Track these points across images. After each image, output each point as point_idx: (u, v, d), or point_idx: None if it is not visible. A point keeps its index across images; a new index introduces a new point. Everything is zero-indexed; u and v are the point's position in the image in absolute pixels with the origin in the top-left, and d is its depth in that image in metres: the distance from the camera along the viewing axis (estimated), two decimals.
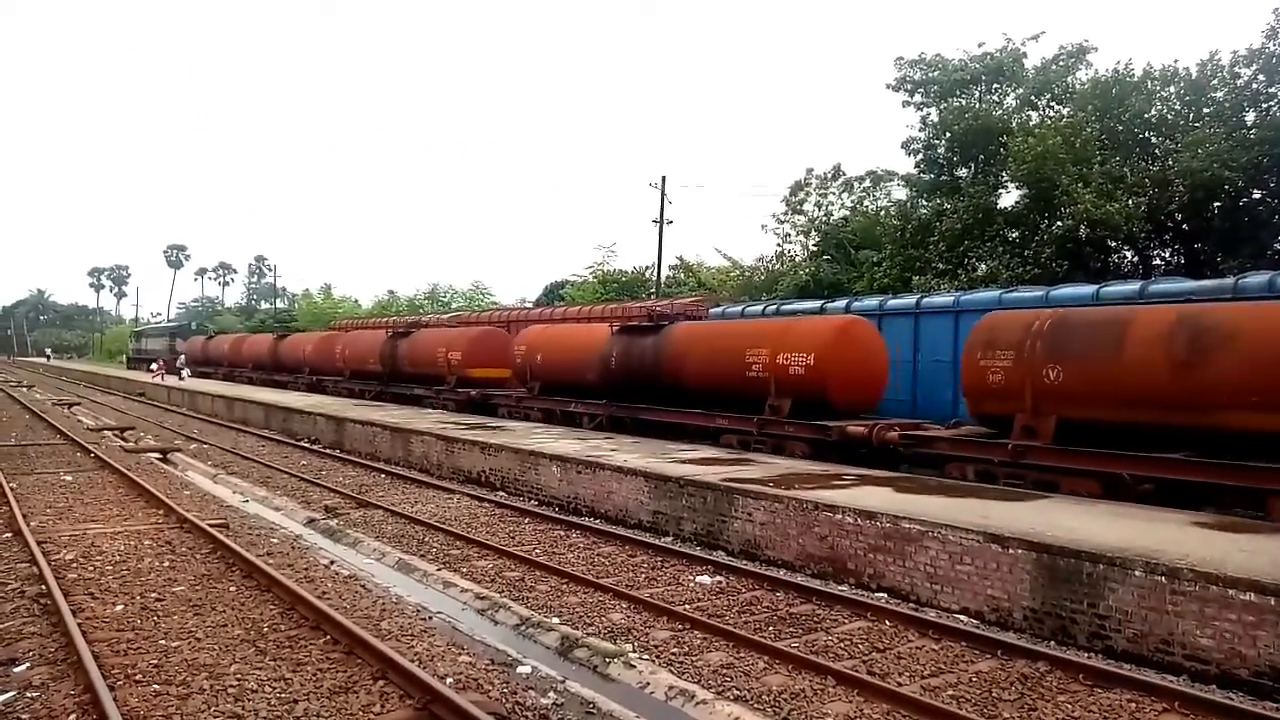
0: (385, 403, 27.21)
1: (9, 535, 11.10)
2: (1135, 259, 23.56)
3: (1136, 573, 7.39)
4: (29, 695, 6.19)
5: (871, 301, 19.54)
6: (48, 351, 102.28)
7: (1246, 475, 9.90)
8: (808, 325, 16.27)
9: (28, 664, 6.77)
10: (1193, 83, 22.41)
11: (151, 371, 39.88)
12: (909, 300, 18.43)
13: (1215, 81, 22.10)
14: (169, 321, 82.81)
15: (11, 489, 13.91)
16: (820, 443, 14.47)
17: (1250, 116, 21.46)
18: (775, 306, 21.64)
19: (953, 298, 17.62)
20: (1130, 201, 21.00)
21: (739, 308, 22.32)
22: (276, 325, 59.00)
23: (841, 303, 20.07)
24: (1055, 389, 11.60)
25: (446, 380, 25.33)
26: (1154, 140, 23.23)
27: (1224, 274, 16.84)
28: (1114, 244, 22.89)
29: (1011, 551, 8.25)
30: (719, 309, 22.71)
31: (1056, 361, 11.63)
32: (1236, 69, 21.78)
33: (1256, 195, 21.36)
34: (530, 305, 44.09)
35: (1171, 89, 23.02)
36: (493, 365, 24.24)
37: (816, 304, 20.62)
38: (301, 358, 35.30)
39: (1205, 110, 22.13)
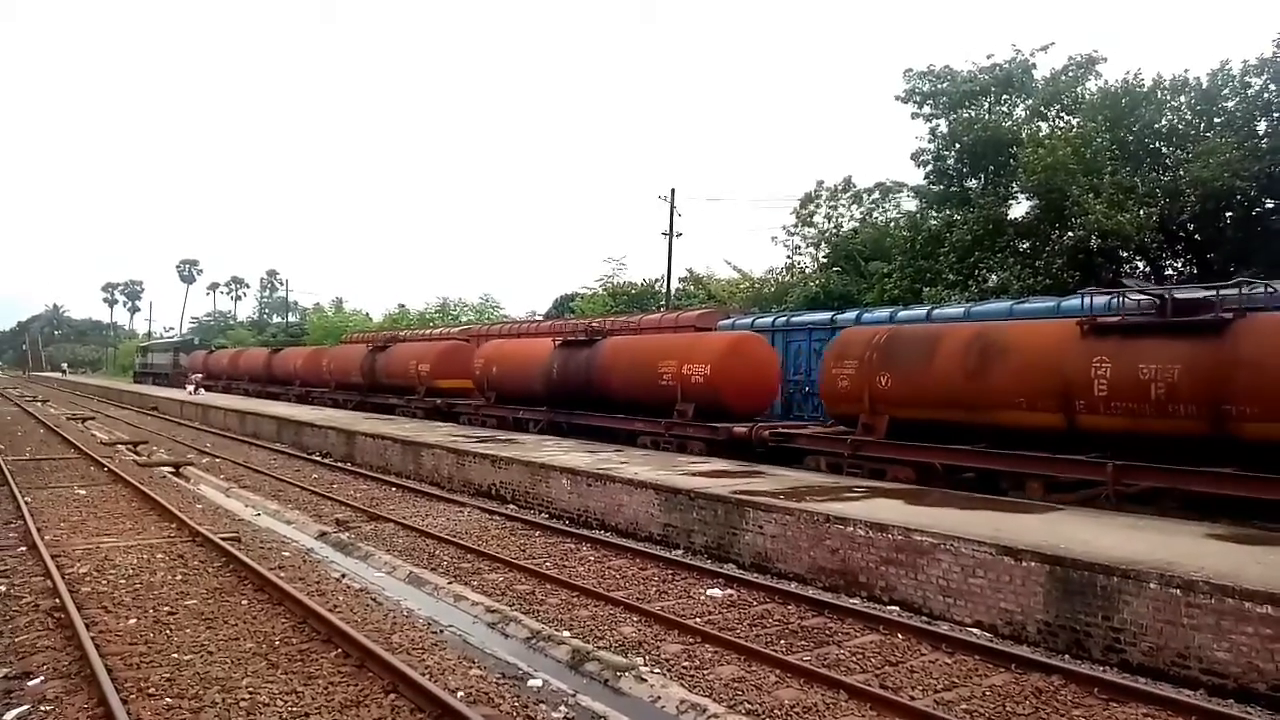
0: (365, 411, 29.30)
1: (24, 549, 11.17)
2: (1147, 269, 23.48)
3: (1151, 585, 7.33)
4: (43, 709, 6.22)
5: (882, 313, 19.54)
6: (64, 366, 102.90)
7: (1014, 462, 12.02)
8: (707, 340, 18.70)
9: (42, 677, 6.80)
10: (1203, 92, 22.38)
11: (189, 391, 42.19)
12: (920, 311, 18.51)
13: (1226, 91, 22.07)
14: (174, 337, 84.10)
15: (26, 503, 14.01)
16: (713, 441, 16.49)
17: (1262, 126, 21.42)
18: (785, 319, 21.67)
19: (964, 309, 17.70)
20: (1141, 212, 20.95)
21: (748, 319, 22.34)
22: (288, 339, 59.39)
23: (852, 314, 20.08)
24: (886, 393, 13.67)
25: (417, 390, 27.29)
26: (1165, 150, 23.19)
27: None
28: (1125, 254, 22.85)
29: (1025, 564, 8.19)
30: (728, 321, 22.73)
31: (887, 370, 13.70)
32: (1247, 78, 21.75)
33: (1269, 205, 21.30)
34: (540, 318, 44.21)
35: (1182, 99, 22.99)
36: (457, 377, 25.69)
37: (826, 315, 20.63)
38: (293, 371, 37.56)
39: (1216, 120, 22.09)
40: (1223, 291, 11.09)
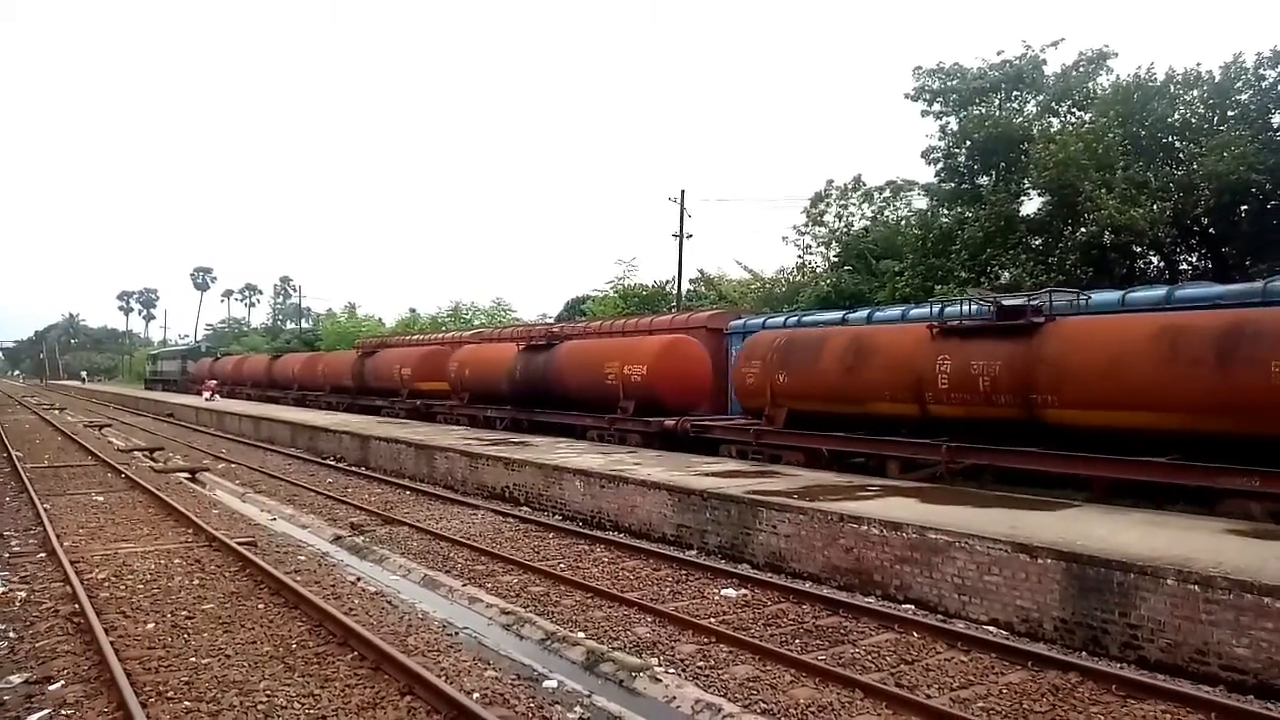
0: (355, 412, 31.75)
1: (43, 555, 11.28)
2: (1161, 264, 23.29)
3: (1169, 582, 7.28)
4: (64, 713, 6.28)
5: (894, 311, 19.47)
6: (83, 375, 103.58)
7: (877, 445, 14.17)
8: (645, 343, 20.41)
9: (62, 682, 6.87)
10: (1216, 85, 22.17)
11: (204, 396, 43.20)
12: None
13: (1239, 84, 21.85)
14: (182, 346, 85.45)
15: (45, 510, 14.14)
16: (647, 433, 18.55)
17: (1276, 118, 21.19)
18: (796, 319, 21.62)
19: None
20: (1155, 206, 20.77)
21: (760, 320, 22.31)
22: (301, 345, 59.73)
23: (863, 313, 20.02)
24: (784, 389, 15.72)
25: (400, 392, 29.70)
26: (1178, 144, 22.97)
27: (1253, 278, 16.59)
28: (1139, 249, 22.64)
29: (1040, 561, 8.15)
30: (740, 321, 22.70)
31: (784, 369, 15.72)
32: (1261, 71, 21.53)
33: None
34: (551, 321, 44.27)
35: (1195, 92, 22.78)
36: (435, 379, 27.75)
37: (838, 315, 20.58)
38: (291, 375, 40.21)
39: (1230, 113, 21.88)
40: (1033, 300, 12.96)
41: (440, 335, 39.69)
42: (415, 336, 42.56)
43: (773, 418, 15.91)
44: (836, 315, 20.54)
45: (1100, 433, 11.38)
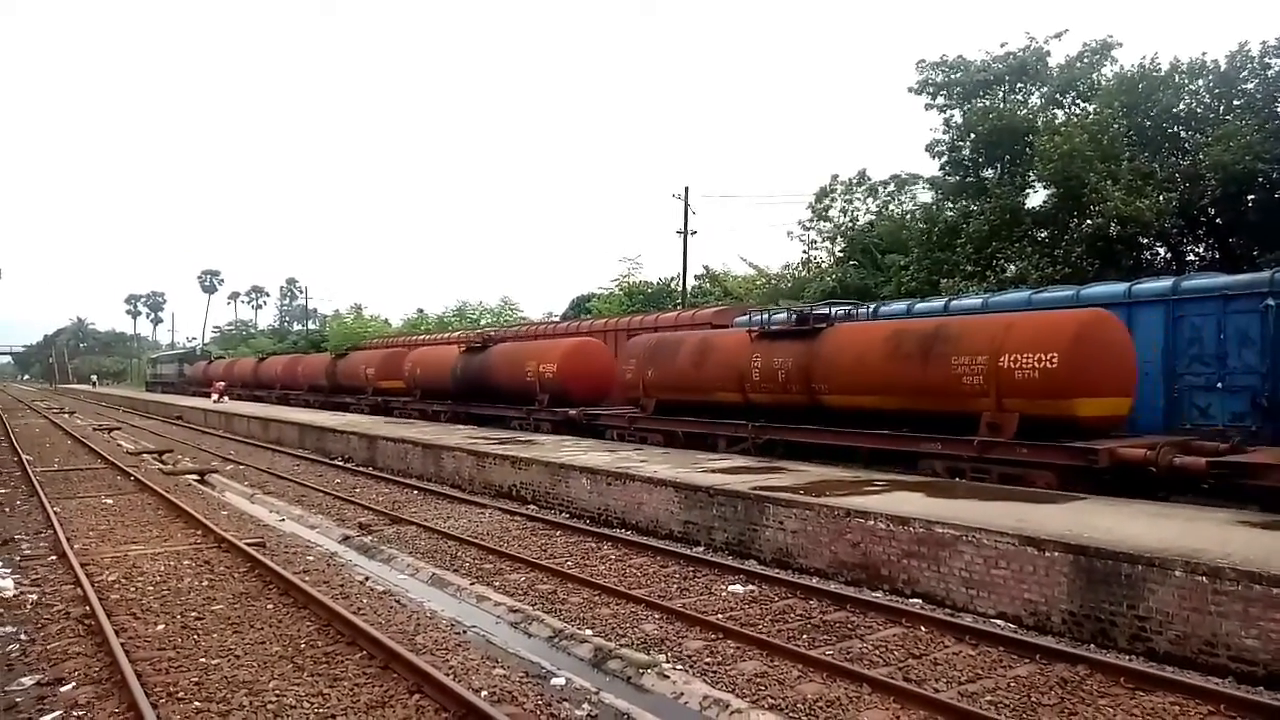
0: (328, 409, 34.48)
1: (54, 558, 11.34)
2: (1168, 255, 23.19)
3: (1177, 573, 7.26)
4: (75, 714, 6.31)
5: (899, 306, 19.44)
6: (94, 379, 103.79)
7: (711, 426, 17.26)
8: (556, 345, 23.45)
9: (73, 683, 6.91)
10: (1222, 75, 22.05)
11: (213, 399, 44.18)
12: (938, 304, 18.45)
13: (1245, 73, 21.73)
14: (179, 350, 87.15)
15: (56, 513, 14.21)
16: (554, 421, 21.68)
17: None
18: (869, 309, 21.41)
19: (981, 299, 17.60)
20: (1161, 197, 20.67)
21: (826, 311, 22.19)
22: (308, 347, 59.94)
23: (871, 307, 19.98)
24: (653, 382, 18.81)
25: (365, 391, 32.85)
26: (1183, 134, 22.87)
27: (1260, 267, 16.53)
28: (1145, 241, 22.56)
29: (1048, 554, 8.14)
30: (744, 318, 22.68)
31: (652, 365, 18.80)
32: (1267, 59, 21.41)
33: None
34: (557, 319, 44.33)
35: (1200, 82, 22.66)
36: (394, 378, 30.70)
37: (902, 305, 20.41)
38: (274, 376, 43.55)
39: (1235, 102, 21.76)
40: (817, 309, 16.90)
41: (400, 339, 44.17)
42: (379, 341, 46.51)
43: (645, 406, 19.02)
44: (899, 306, 19.76)
45: (857, 412, 14.63)
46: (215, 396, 44.30)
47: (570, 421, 20.98)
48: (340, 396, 35.07)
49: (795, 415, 15.71)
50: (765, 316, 18.02)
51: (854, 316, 17.41)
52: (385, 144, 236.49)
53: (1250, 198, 21.01)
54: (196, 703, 6.43)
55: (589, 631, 8.31)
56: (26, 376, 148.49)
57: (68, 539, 12.09)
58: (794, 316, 16.65)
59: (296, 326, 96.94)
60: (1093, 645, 7.63)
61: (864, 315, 17.80)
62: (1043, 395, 11.99)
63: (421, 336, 41.64)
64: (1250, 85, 21.64)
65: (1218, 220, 22.12)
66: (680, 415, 18.19)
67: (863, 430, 14.38)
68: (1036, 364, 12.05)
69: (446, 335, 37.71)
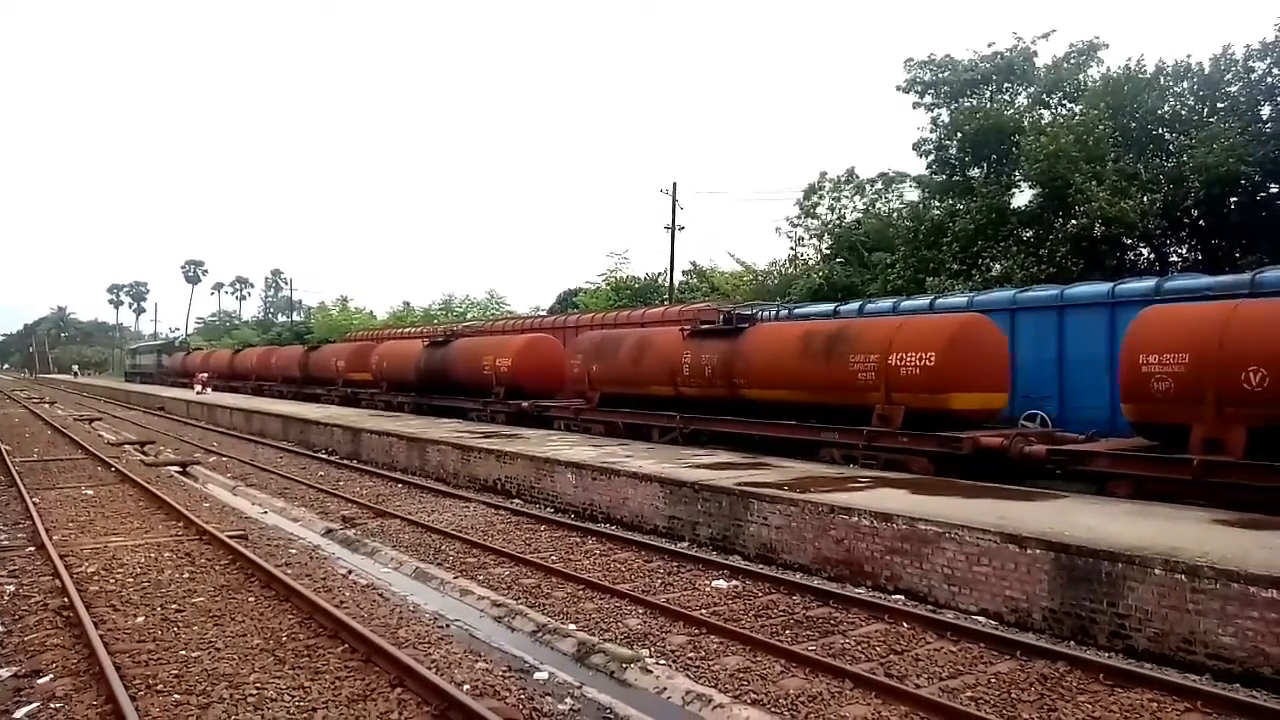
0: (300, 400, 35.69)
1: (32, 549, 11.23)
2: (1152, 256, 23.37)
3: (1156, 571, 7.33)
4: (52, 706, 6.26)
5: (885, 303, 19.57)
6: (75, 369, 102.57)
7: (647, 417, 18.56)
8: (512, 341, 25.11)
9: (51, 675, 6.85)
10: (1206, 78, 22.22)
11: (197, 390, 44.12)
12: (853, 306, 19.67)
13: (1229, 76, 21.90)
14: (158, 341, 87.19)
15: (34, 504, 14.08)
16: (508, 413, 22.92)
17: (1266, 110, 21.26)
18: (787, 311, 21.67)
19: (891, 303, 18.19)
20: (1145, 198, 20.83)
21: (750, 313, 22.34)
22: (293, 338, 59.63)
23: (855, 305, 20.10)
24: (597, 376, 20.08)
25: (336, 382, 34.26)
26: (1168, 136, 23.03)
27: (1242, 269, 16.70)
28: (1129, 241, 22.71)
29: (1029, 552, 8.19)
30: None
31: (596, 361, 20.11)
32: (1250, 63, 21.59)
33: (1274, 189, 21.14)
34: (544, 313, 44.26)
35: (1185, 84, 22.83)
36: (362, 371, 32.08)
37: (829, 307, 20.65)
38: (250, 368, 45.02)
39: (1219, 105, 21.93)
40: (739, 310, 18.95)
41: (368, 332, 45.64)
42: (361, 333, 47.69)
43: (590, 399, 20.44)
44: (828, 308, 20.65)
45: (771, 405, 15.89)
46: (198, 388, 44.02)
47: (523, 413, 22.21)
48: (312, 388, 36.42)
49: (719, 407, 17.04)
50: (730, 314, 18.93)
51: (776, 318, 19.24)
52: (372, 136, 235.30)
53: (1233, 200, 21.19)
54: (176, 695, 6.39)
55: (572, 626, 8.31)
56: (6, 366, 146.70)
57: (46, 530, 11.98)
58: (722, 317, 17.98)
59: (281, 318, 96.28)
60: (1073, 642, 7.69)
61: (784, 316, 19.84)
62: (924, 390, 13.44)
63: (387, 330, 43.28)
64: (1234, 88, 21.82)
65: (1201, 222, 22.29)
66: (621, 407, 19.42)
67: (775, 421, 15.65)
68: (919, 362, 13.49)
69: (411, 330, 39.39)
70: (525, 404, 22.16)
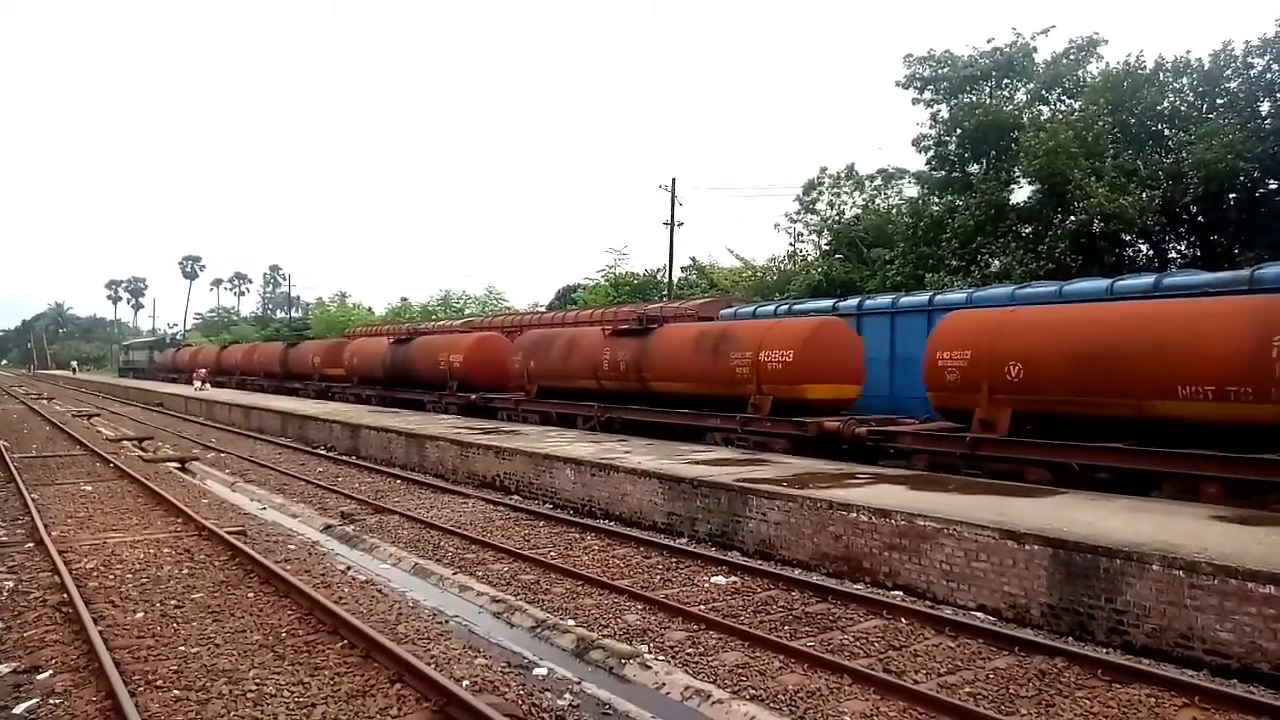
0: (280, 394, 37.88)
1: (31, 545, 11.22)
2: (1150, 252, 23.38)
3: (1154, 567, 7.34)
4: (52, 702, 6.26)
5: (884, 299, 19.56)
6: (74, 365, 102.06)
7: (575, 407, 20.67)
8: (463, 339, 27.09)
9: (50, 671, 6.85)
10: (1206, 74, 22.22)
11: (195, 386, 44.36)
12: (922, 298, 18.74)
13: (1229, 72, 21.91)
14: (150, 338, 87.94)
15: (33, 499, 14.07)
16: (460, 405, 24.98)
17: (1265, 106, 21.27)
18: (787, 306, 21.69)
19: (965, 294, 17.89)
20: (1144, 194, 20.84)
21: (750, 309, 22.37)
22: (291, 334, 59.59)
23: (854, 301, 20.10)
24: (534, 372, 22.15)
25: (312, 377, 36.35)
26: (1167, 132, 23.05)
27: (1240, 265, 16.71)
28: (1128, 238, 22.73)
29: (1028, 548, 8.21)
30: (730, 310, 22.75)
31: (534, 358, 22.18)
32: (1250, 59, 21.60)
33: (1272, 185, 21.17)
34: (543, 309, 44.26)
35: (1184, 80, 22.84)
36: (336, 366, 34.13)
37: (829, 303, 20.65)
38: (235, 363, 47.38)
39: (1219, 101, 21.95)
40: (650, 312, 21.44)
41: (367, 328, 48.36)
42: (358, 328, 50.06)
43: (529, 391, 22.43)
44: (826, 304, 20.66)
45: (672, 396, 18.14)
46: (198, 384, 43.93)
47: (472, 405, 24.39)
48: (291, 382, 38.98)
49: (632, 398, 19.16)
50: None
51: (775, 314, 20.74)
52: (371, 131, 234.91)
53: (1231, 196, 21.21)
54: (175, 691, 6.39)
55: (571, 622, 8.32)
56: (4, 362, 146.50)
57: (45, 526, 11.96)
58: (637, 319, 20.14)
59: (280, 314, 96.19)
60: (1071, 638, 7.71)
61: (783, 312, 20.91)
62: (785, 382, 15.74)
63: (360, 328, 46.45)
64: (1233, 84, 21.82)
65: (1199, 218, 22.31)
66: (554, 399, 21.51)
67: (673, 410, 17.96)
68: (781, 359, 15.81)
69: (380, 328, 42.79)
70: (474, 396, 24.27)
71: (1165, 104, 22.81)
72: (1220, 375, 10.17)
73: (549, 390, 21.74)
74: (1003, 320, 13.08)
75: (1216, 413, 10.24)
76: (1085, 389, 11.44)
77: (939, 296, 18.11)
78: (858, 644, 7.61)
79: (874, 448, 14.28)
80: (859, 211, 31.95)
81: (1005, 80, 26.95)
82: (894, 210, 30.24)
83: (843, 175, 32.88)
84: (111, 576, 9.64)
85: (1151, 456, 10.73)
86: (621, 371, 19.10)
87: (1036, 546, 8.14)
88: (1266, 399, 9.82)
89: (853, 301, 20.05)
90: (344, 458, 21.24)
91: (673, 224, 39.70)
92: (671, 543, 11.43)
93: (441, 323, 40.71)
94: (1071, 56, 25.99)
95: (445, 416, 24.33)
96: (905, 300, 18.91)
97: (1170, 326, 10.99)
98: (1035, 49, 26.66)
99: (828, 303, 20.71)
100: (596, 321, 25.08)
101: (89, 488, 15.95)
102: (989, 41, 27.05)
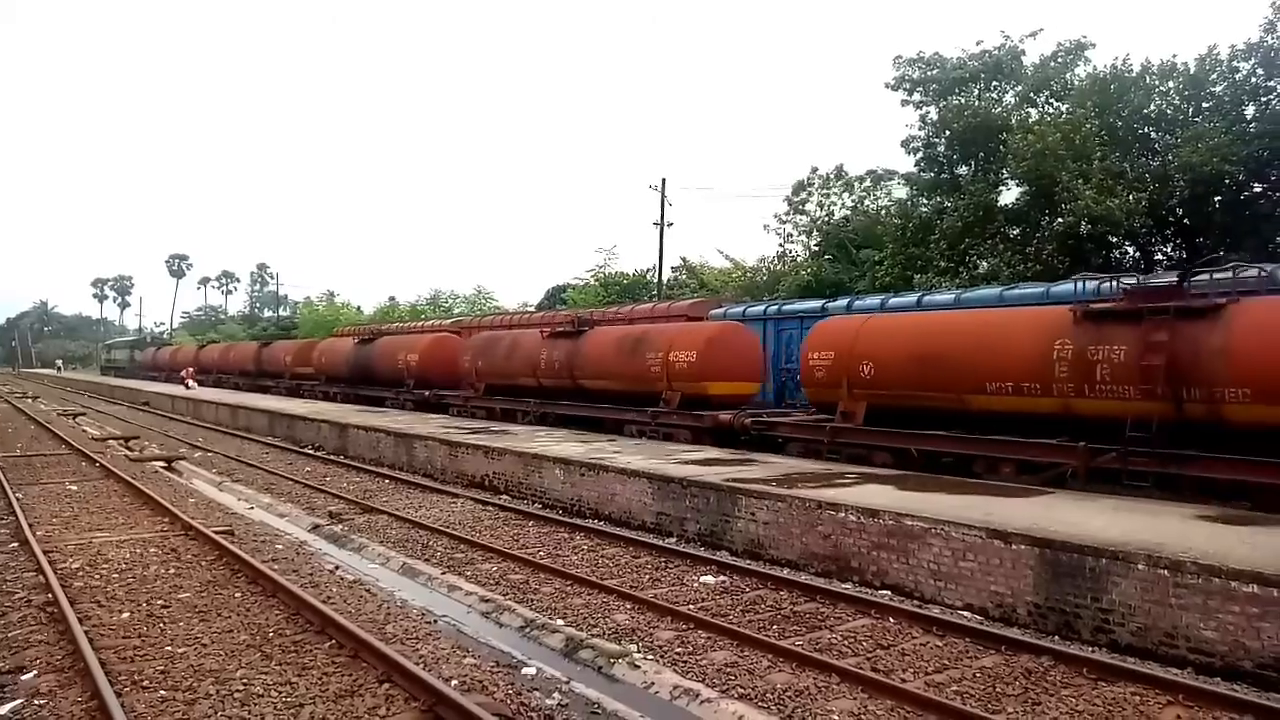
0: (255, 391, 39.46)
1: (15, 545, 11.14)
2: (1137, 254, 23.54)
3: (1139, 566, 7.40)
4: (36, 703, 6.21)
5: (873, 301, 19.64)
6: (58, 364, 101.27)
7: (518, 403, 22.28)
8: (420, 339, 29.34)
9: (35, 671, 6.80)
10: (1192, 77, 22.40)
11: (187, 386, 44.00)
12: (911, 298, 18.82)
13: (1214, 76, 22.08)
14: (131, 337, 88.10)
15: (18, 499, 13.97)
16: (415, 400, 26.81)
17: (1250, 110, 21.46)
18: (777, 307, 21.75)
19: (954, 295, 18.04)
20: (1131, 197, 20.99)
21: (739, 309, 22.43)
22: (278, 333, 59.40)
23: (843, 302, 20.19)
24: (482, 370, 23.92)
25: (284, 376, 38.04)
26: (1154, 135, 23.22)
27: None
28: (1115, 239, 22.89)
29: (1015, 547, 8.25)
30: (720, 310, 22.79)
31: (482, 358, 23.99)
32: (1235, 63, 21.78)
33: (1257, 189, 21.36)
34: (531, 309, 44.23)
35: (1170, 84, 23.01)
36: (306, 365, 35.95)
37: (818, 304, 20.72)
38: (213, 362, 49.47)
39: (1205, 105, 22.13)
40: (583, 315, 23.59)
41: (338, 330, 49.63)
42: (349, 328, 50.54)
43: (477, 389, 24.10)
44: (815, 304, 20.74)
45: (599, 393, 19.75)
46: (190, 383, 43.61)
47: (426, 401, 26.17)
48: (264, 380, 40.60)
49: (567, 394, 20.79)
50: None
51: (765, 314, 21.82)
52: (360, 130, 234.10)
53: (1217, 199, 21.39)
54: (162, 691, 6.36)
55: (560, 621, 8.32)
56: None
57: (30, 525, 11.88)
58: (569, 322, 22.05)
59: (267, 313, 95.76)
60: (1057, 637, 7.75)
61: (773, 312, 21.91)
62: (690, 380, 17.52)
63: (350, 327, 47.82)
64: (1219, 88, 22.00)
65: (1185, 220, 22.49)
66: (500, 396, 23.21)
67: (600, 405, 19.55)
68: (687, 359, 17.55)
69: (347, 329, 44.77)
70: (428, 393, 26.01)
71: (1152, 107, 22.98)
72: (1016, 373, 12.04)
73: (495, 388, 23.41)
74: (859, 326, 15.04)
75: (1014, 405, 12.15)
76: (923, 385, 13.24)
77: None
78: (846, 643, 7.64)
79: (760, 437, 15.81)
80: (848, 212, 32.07)
81: (994, 83, 27.13)
82: (883, 211, 30.37)
83: (832, 176, 33.02)
84: (97, 576, 9.58)
85: (965, 442, 12.72)
86: (557, 370, 20.70)
87: (1023, 546, 8.19)
88: (1049, 393, 11.67)
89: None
90: (332, 457, 21.16)
91: (662, 224, 39.74)
92: (660, 542, 11.44)
93: (408, 323, 42.93)
94: (1059, 59, 26.17)
95: (402, 413, 25.46)
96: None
97: (984, 333, 12.94)
98: (1024, 52, 26.86)
99: (817, 303, 21.24)
100: (536, 324, 26.71)
101: (74, 487, 15.84)
102: (978, 44, 27.27)
